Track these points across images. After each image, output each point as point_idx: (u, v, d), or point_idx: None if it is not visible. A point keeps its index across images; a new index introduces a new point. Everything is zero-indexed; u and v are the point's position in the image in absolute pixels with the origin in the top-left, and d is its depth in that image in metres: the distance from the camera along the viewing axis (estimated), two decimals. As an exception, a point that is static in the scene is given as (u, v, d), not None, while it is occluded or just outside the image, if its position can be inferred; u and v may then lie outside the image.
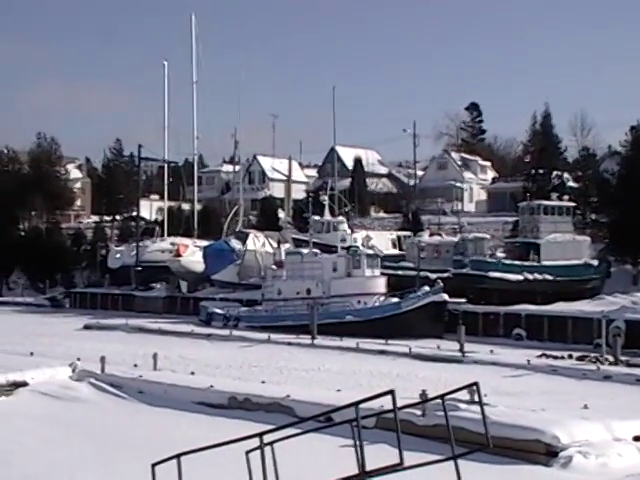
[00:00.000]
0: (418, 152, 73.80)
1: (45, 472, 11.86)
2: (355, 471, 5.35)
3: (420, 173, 77.13)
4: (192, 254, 51.15)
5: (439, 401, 5.70)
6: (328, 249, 42.73)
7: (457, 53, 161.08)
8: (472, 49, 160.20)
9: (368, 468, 5.06)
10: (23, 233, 69.65)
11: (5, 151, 76.48)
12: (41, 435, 14.55)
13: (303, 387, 19.02)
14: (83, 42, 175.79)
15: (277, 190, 75.25)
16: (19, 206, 69.06)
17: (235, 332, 35.71)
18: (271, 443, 6.27)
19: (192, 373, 20.48)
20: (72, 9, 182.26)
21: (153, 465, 6.97)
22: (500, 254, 44.59)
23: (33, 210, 71.29)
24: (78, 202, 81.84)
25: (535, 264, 42.32)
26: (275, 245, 48.27)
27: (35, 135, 76.10)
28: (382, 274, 40.55)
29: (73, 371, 19.51)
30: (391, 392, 4.89)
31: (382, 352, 29.34)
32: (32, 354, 23.27)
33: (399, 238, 50.49)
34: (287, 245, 47.74)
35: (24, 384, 18.18)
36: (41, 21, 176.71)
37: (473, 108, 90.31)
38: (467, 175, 75.22)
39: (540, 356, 27.97)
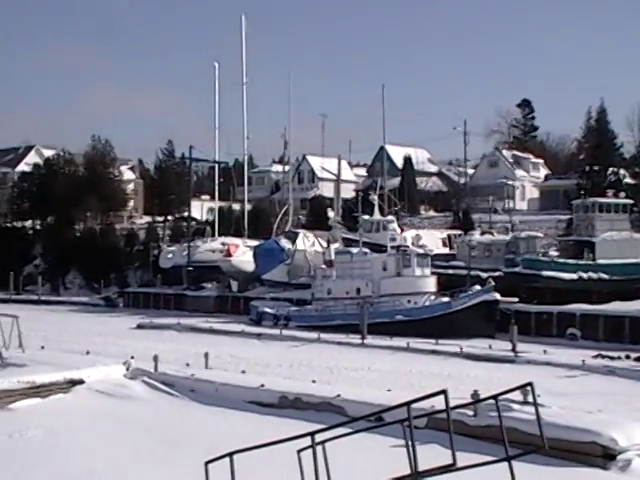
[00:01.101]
0: (469, 150, 73.18)
1: (101, 468, 12.09)
2: (407, 471, 5.31)
3: (471, 171, 76.33)
4: (242, 254, 51.55)
5: (492, 401, 5.63)
6: (378, 248, 42.58)
7: (508, 49, 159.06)
8: (524, 45, 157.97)
9: (420, 468, 5.02)
10: (79, 234, 71.13)
11: (62, 154, 78.30)
12: (97, 432, 14.84)
13: (353, 387, 18.98)
14: (135, 46, 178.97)
15: (326, 189, 75.32)
16: (75, 207, 70.61)
17: (285, 331, 35.85)
18: (322, 442, 6.26)
19: (243, 372, 20.63)
20: (122, 14, 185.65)
21: (206, 463, 7.04)
22: (553, 253, 43.83)
23: (88, 211, 72.79)
24: (131, 203, 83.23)
25: (590, 263, 41.47)
26: (325, 244, 48.32)
27: (90, 138, 77.95)
28: (432, 273, 40.24)
29: (127, 369, 19.85)
30: (443, 392, 4.84)
31: (433, 352, 29.11)
32: (88, 353, 23.73)
33: (449, 237, 50.06)
34: (337, 244, 47.73)
35: (81, 382, 18.57)
36: (94, 26, 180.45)
37: (525, 105, 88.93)
38: (519, 173, 74.15)
39: (596, 356, 27.38)
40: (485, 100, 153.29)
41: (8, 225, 77.11)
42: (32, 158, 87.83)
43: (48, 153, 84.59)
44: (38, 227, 75.62)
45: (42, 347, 24.59)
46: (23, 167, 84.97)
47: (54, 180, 72.24)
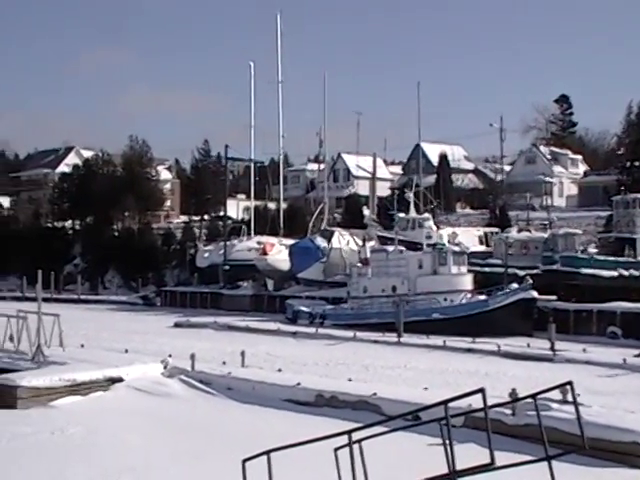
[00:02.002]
0: (505, 147, 72.31)
1: (141, 465, 12.24)
2: (444, 470, 5.27)
3: (507, 168, 75.54)
4: (278, 252, 51.70)
5: (530, 400, 5.55)
6: (414, 246, 42.36)
7: (546, 44, 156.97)
8: (561, 39, 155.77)
9: (457, 467, 4.98)
10: (117, 234, 72.06)
11: (100, 154, 79.43)
12: (136, 429, 15.02)
13: (390, 385, 18.92)
14: (170, 47, 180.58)
15: (362, 188, 75.18)
16: (113, 207, 71.54)
17: (321, 330, 35.87)
18: (359, 441, 6.25)
19: (279, 370, 20.69)
20: (158, 15, 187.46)
21: (244, 461, 7.07)
22: (592, 250, 43.14)
23: (126, 211, 73.69)
24: (168, 203, 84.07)
25: (631, 260, 40.73)
26: (360, 243, 48.22)
27: (127, 138, 78.92)
28: (469, 271, 39.90)
29: (165, 368, 20.06)
30: (481, 390, 4.80)
31: (469, 350, 28.87)
32: (126, 351, 23.99)
33: (486, 234, 49.60)
34: (372, 243, 47.61)
35: (120, 380, 18.82)
36: (131, 28, 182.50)
37: (563, 100, 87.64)
38: (557, 169, 73.16)
39: (638, 355, 26.84)
40: (522, 96, 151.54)
41: (49, 225, 78.52)
42: (72, 159, 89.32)
43: (87, 154, 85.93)
44: (78, 227, 76.80)
45: (82, 345, 24.95)
46: (63, 168, 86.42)
47: (93, 180, 73.30)
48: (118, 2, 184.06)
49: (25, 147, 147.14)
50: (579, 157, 77.14)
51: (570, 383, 5.32)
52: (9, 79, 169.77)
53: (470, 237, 48.55)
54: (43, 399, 17.19)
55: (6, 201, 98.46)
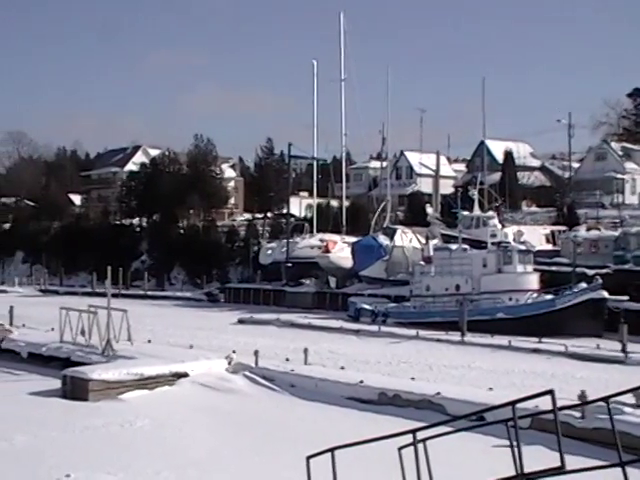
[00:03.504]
0: (573, 143, 70.59)
1: (206, 458, 12.44)
2: (510, 472, 5.18)
3: (576, 165, 73.71)
4: (341, 250, 51.71)
5: (601, 403, 5.41)
6: (477, 245, 41.79)
7: (616, 36, 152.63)
8: (633, 31, 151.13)
9: (525, 470, 4.88)
10: (182, 231, 73.31)
11: (166, 153, 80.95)
12: (201, 424, 15.27)
13: (453, 385, 18.72)
14: (233, 46, 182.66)
15: (425, 185, 74.55)
16: (179, 205, 72.82)
17: (383, 328, 35.73)
18: (424, 440, 6.20)
19: (342, 368, 20.69)
20: (221, 15, 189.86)
21: (308, 458, 7.10)
22: (666, 249, 41.72)
23: (191, 209, 74.90)
24: (232, 200, 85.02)
25: None
26: (423, 241, 47.81)
27: (193, 137, 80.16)
28: (535, 270, 39.14)
29: (229, 364, 20.32)
30: (550, 392, 4.69)
31: (536, 351, 28.31)
32: (191, 346, 24.37)
33: (553, 233, 48.55)
34: (435, 241, 47.17)
35: (185, 375, 19.16)
36: (195, 28, 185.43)
37: (636, 94, 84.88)
38: (629, 165, 70.96)
39: None
40: (592, 91, 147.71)
41: (117, 223, 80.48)
42: (139, 158, 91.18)
43: (154, 153, 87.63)
44: (144, 224, 78.48)
45: (149, 341, 25.45)
46: (131, 167, 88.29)
47: (159, 179, 74.75)
48: (183, 3, 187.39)
49: (96, 147, 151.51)
50: (653, 153, 74.69)
51: (644, 386, 5.16)
52: (81, 82, 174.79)
53: (536, 235, 47.57)
54: (112, 392, 17.65)
55: (78, 199, 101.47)
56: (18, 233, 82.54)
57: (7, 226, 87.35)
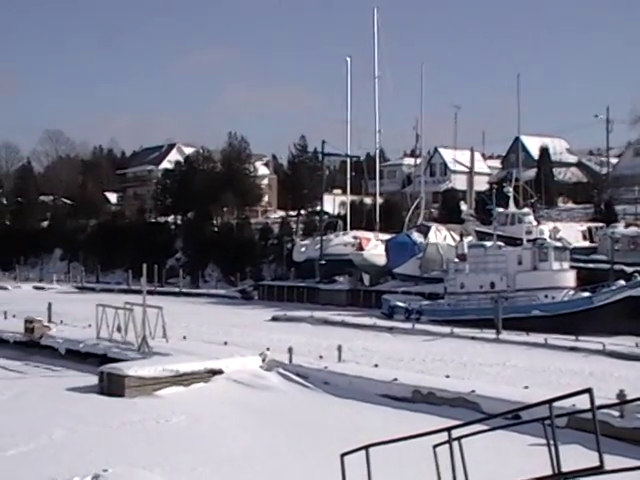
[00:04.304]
0: (611, 138, 69.42)
1: (241, 455, 12.52)
2: (547, 471, 5.13)
3: (614, 161, 72.52)
4: (374, 247, 51.60)
5: (641, 403, 5.32)
6: (513, 242, 41.38)
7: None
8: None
9: (563, 470, 4.82)
10: (216, 229, 73.80)
11: (201, 151, 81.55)
12: (235, 421, 15.38)
13: (488, 383, 18.55)
14: (266, 43, 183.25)
15: (459, 182, 74.00)
16: (213, 203, 73.31)
17: (417, 325, 35.58)
18: (459, 438, 6.17)
19: (376, 365, 20.65)
20: (254, 13, 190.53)
21: (342, 455, 7.11)
22: None
23: (225, 206, 75.34)
24: (265, 198, 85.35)
25: None
26: (457, 238, 47.48)
27: (226, 135, 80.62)
28: (571, 267, 38.63)
29: (263, 361, 20.41)
30: (588, 390, 4.63)
31: (572, 349, 27.93)
32: (226, 343, 24.51)
33: (590, 230, 47.87)
34: (470, 238, 46.82)
35: (220, 372, 19.30)
36: (228, 26, 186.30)
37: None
38: (669, 161, 69.66)
39: None
40: (631, 85, 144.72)
41: (152, 220, 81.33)
42: (174, 156, 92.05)
43: (188, 151, 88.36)
44: (179, 222, 79.19)
45: (184, 337, 25.66)
46: (166, 165, 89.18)
47: (194, 177, 75.35)
48: (217, 2, 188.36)
49: (131, 145, 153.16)
50: (696, 148, 73.14)
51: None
52: (117, 82, 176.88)
53: (573, 232, 46.98)
54: (148, 388, 17.86)
55: (114, 197, 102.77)
56: (56, 231, 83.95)
57: (45, 224, 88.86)
